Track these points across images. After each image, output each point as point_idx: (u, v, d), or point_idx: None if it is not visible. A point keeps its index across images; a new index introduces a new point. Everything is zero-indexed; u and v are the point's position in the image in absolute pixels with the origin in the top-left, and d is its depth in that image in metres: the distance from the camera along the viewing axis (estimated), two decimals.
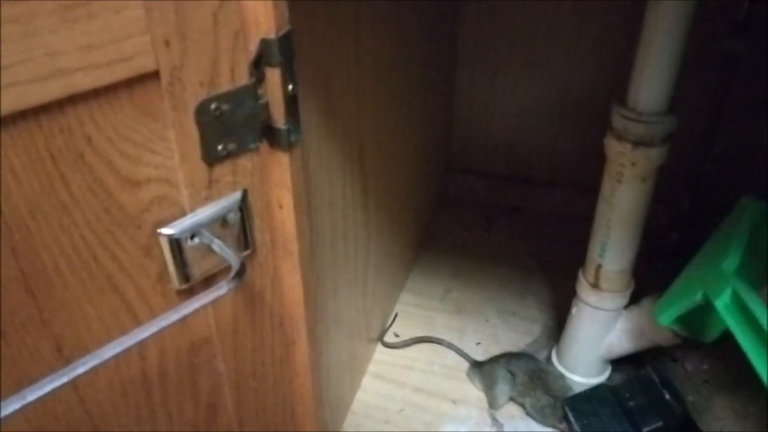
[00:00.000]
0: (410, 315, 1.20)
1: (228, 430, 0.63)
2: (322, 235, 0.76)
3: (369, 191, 0.92)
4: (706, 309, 0.78)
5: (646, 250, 1.30)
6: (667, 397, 0.88)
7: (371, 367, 1.10)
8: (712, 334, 0.84)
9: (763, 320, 0.67)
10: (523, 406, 1.00)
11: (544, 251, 1.35)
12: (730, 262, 0.74)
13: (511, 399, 1.01)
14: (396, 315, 1.19)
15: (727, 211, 1.27)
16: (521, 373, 1.00)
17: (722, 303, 0.73)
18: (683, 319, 0.84)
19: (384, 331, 1.15)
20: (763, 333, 0.67)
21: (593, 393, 0.96)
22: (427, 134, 1.26)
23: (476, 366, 1.06)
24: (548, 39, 1.28)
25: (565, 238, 1.35)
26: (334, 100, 0.73)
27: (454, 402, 1.03)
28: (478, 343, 1.14)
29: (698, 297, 0.77)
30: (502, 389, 1.00)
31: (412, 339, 1.13)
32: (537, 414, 0.98)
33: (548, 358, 1.07)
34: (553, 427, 0.98)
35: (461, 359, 1.10)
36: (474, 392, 1.05)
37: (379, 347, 1.14)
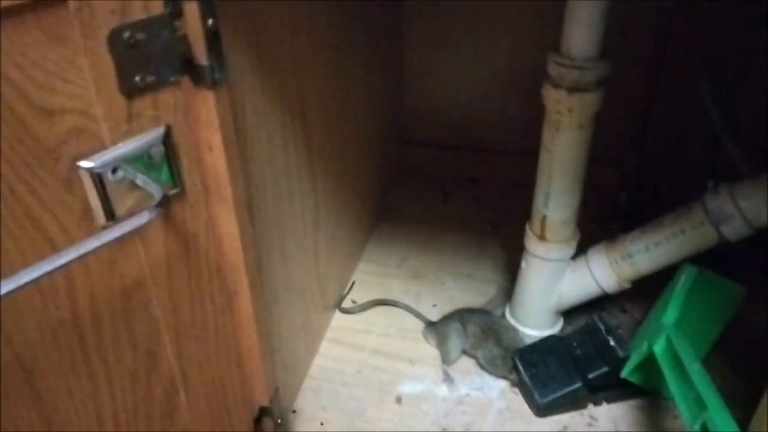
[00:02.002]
0: (367, 282, 1.21)
1: (170, 377, 0.63)
2: (262, 190, 0.76)
3: (314, 152, 0.92)
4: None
5: (597, 211, 1.33)
6: (612, 343, 0.90)
7: (329, 334, 1.10)
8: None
9: (685, 359, 0.77)
10: (475, 358, 1.02)
11: (500, 217, 1.37)
12: (669, 317, 0.87)
13: (464, 352, 1.02)
14: (353, 283, 1.20)
15: (672, 170, 1.31)
16: (473, 327, 1.01)
17: (659, 348, 0.83)
18: (646, 377, 0.90)
19: (341, 299, 1.16)
20: (687, 375, 0.76)
21: (542, 343, 0.98)
22: (377, 105, 1.26)
23: (431, 325, 1.07)
24: (492, 8, 1.29)
25: (519, 204, 1.35)
26: (267, 52, 0.73)
27: (411, 362, 1.04)
28: (434, 305, 1.14)
29: (645, 347, 0.85)
30: (455, 344, 1.01)
31: (368, 302, 1.14)
32: (488, 365, 1.00)
33: (502, 315, 1.09)
34: (504, 377, 0.99)
35: (418, 321, 1.11)
36: (430, 351, 1.06)
37: (337, 314, 1.14)
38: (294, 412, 0.96)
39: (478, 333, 1.00)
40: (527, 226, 0.98)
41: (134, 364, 0.59)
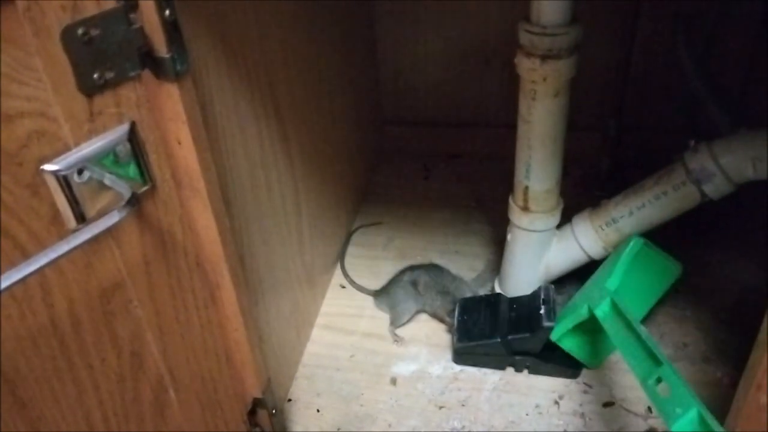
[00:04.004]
0: (355, 265, 1.20)
1: (157, 376, 0.62)
2: (238, 181, 0.75)
3: (290, 139, 0.91)
4: (594, 336, 0.92)
5: (580, 178, 1.33)
6: (541, 311, 0.91)
7: (319, 320, 1.10)
8: (596, 361, 0.96)
9: (631, 319, 0.80)
10: (424, 309, 1.07)
11: (483, 191, 1.37)
12: (612, 282, 0.89)
13: (419, 311, 1.07)
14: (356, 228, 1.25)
15: (652, 131, 1.30)
16: (424, 277, 1.05)
17: (601, 311, 0.85)
18: (575, 344, 0.93)
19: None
20: (633, 331, 0.79)
21: (487, 298, 1.02)
22: (352, 86, 1.25)
23: (378, 292, 1.11)
24: None
25: (501, 177, 1.35)
26: (232, 42, 0.71)
27: (404, 342, 1.04)
28: None
29: (584, 310, 0.87)
30: (408, 306, 1.05)
31: None
32: (431, 311, 1.05)
33: (492, 289, 1.09)
34: (441, 320, 1.04)
35: None
36: (423, 330, 1.06)
37: (327, 300, 1.14)
38: (289, 401, 0.96)
39: (429, 282, 1.04)
40: (510, 199, 0.98)
41: (119, 366, 0.58)
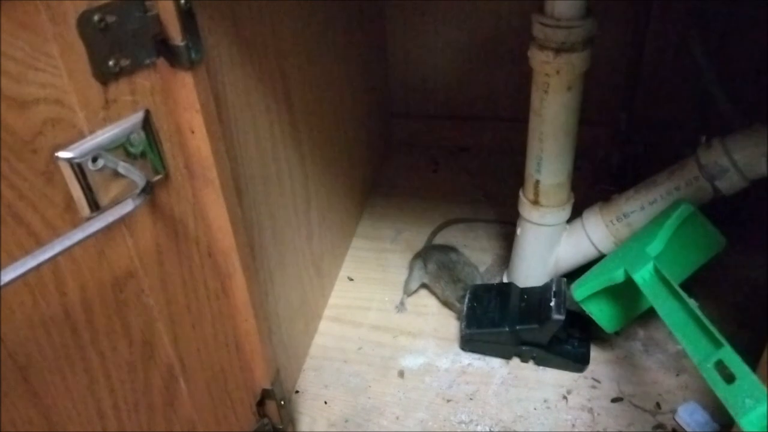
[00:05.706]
0: (363, 258, 1.20)
1: (168, 366, 0.62)
2: (249, 171, 0.75)
3: (300, 130, 0.91)
4: (618, 301, 0.90)
5: (591, 172, 1.33)
6: (551, 303, 0.90)
7: (327, 312, 1.10)
8: (615, 325, 0.93)
9: (679, 290, 0.75)
10: (434, 292, 1.10)
11: (491, 185, 1.36)
12: (654, 248, 0.83)
13: (425, 285, 1.11)
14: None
15: (664, 126, 1.30)
16: (432, 264, 1.08)
17: (641, 278, 0.80)
18: (599, 308, 0.91)
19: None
20: (680, 297, 0.74)
21: (498, 287, 1.02)
22: (363, 79, 1.24)
23: (414, 257, 1.15)
24: None
25: (510, 171, 1.35)
26: (245, 32, 0.71)
27: (411, 335, 1.04)
28: None
29: (619, 274, 0.83)
30: (414, 277, 1.09)
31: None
32: (441, 297, 1.08)
33: (500, 281, 1.09)
34: (451, 305, 1.05)
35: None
36: (431, 323, 1.06)
37: (335, 292, 1.13)
38: (297, 392, 0.96)
39: (434, 270, 1.07)
40: (521, 192, 0.98)
41: (131, 355, 0.58)
